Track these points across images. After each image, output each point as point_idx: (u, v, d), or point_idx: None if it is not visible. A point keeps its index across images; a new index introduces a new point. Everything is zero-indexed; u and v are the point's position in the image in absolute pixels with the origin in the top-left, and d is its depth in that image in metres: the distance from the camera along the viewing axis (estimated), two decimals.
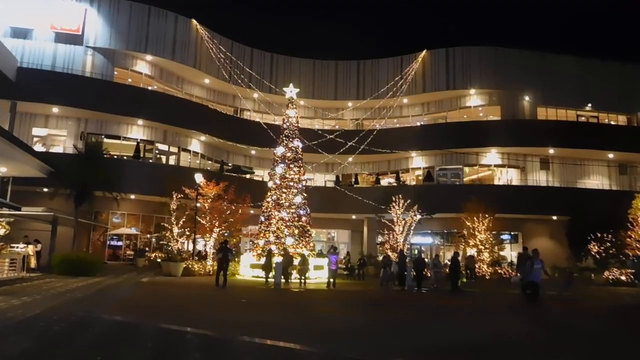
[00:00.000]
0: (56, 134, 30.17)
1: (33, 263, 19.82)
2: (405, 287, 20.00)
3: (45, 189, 24.87)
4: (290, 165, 24.76)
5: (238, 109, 38.69)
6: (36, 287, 14.70)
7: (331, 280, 19.97)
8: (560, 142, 33.57)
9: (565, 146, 33.80)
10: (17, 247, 18.83)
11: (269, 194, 24.81)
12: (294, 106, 26.36)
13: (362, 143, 34.59)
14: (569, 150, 34.19)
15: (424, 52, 38.11)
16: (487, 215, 29.03)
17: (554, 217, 32.26)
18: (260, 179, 34.83)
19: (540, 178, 34.98)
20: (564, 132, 33.92)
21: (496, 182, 35.22)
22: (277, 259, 20.60)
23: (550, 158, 35.27)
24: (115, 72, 32.17)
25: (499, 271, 29.47)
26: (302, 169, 25.39)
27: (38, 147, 27.97)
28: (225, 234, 26.05)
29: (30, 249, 19.94)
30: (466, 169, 36.07)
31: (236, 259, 25.58)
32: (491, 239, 29.76)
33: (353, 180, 37.18)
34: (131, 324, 9.05)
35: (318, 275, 22.50)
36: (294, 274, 20.36)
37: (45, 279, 17.24)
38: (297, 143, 25.45)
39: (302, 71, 38.95)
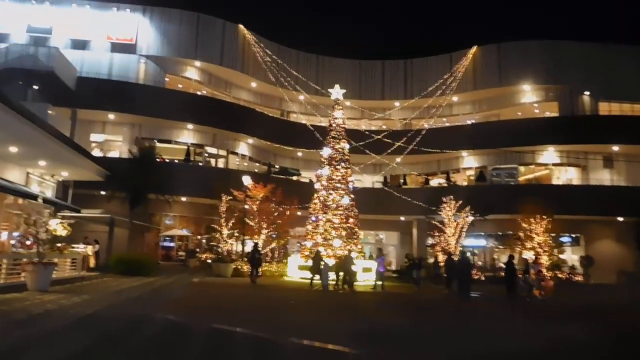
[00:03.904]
0: (112, 139, 31.44)
1: (92, 263, 20.65)
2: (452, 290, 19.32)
3: (103, 192, 25.88)
4: (337, 167, 24.53)
5: (285, 111, 38.93)
6: (95, 285, 15.24)
7: (379, 282, 19.60)
8: (625, 138, 31.36)
9: (631, 143, 31.54)
10: (78, 248, 19.66)
11: (315, 195, 24.68)
12: (340, 107, 26.12)
13: (411, 143, 33.79)
14: (636, 147, 31.83)
15: (474, 48, 36.84)
16: (545, 217, 27.62)
17: (620, 219, 30.19)
18: (307, 180, 34.82)
19: (603, 177, 32.88)
20: (629, 127, 31.65)
21: (554, 182, 33.47)
22: (327, 260, 20.44)
23: (614, 155, 33.07)
24: (167, 79, 33.21)
25: (559, 275, 27.94)
26: (349, 170, 25.11)
27: (96, 152, 29.24)
28: (273, 236, 26.20)
29: (90, 249, 20.81)
30: (521, 168, 34.48)
31: (284, 261, 25.68)
32: (550, 242, 28.27)
33: (401, 181, 36.45)
34: (183, 324, 9.09)
35: (367, 278, 22.11)
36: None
37: (103, 278, 17.87)
38: (344, 144, 25.20)
39: (347, 72, 38.67)
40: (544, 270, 20.56)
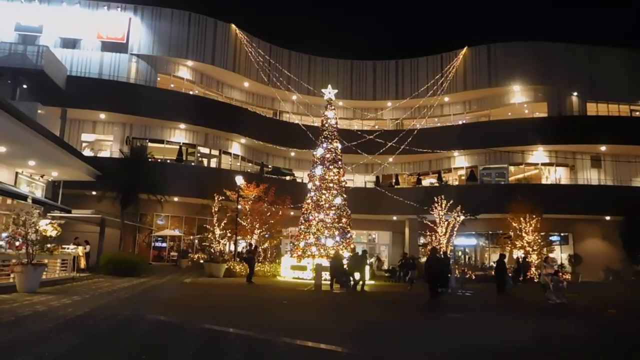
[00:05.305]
0: (103, 139, 31.27)
1: (83, 263, 20.50)
2: (448, 290, 19.39)
3: (94, 192, 25.77)
4: (330, 167, 24.58)
5: (277, 111, 38.94)
6: (85, 286, 15.13)
7: (370, 282, 19.71)
8: (612, 138, 31.85)
9: (618, 142, 32.07)
10: (68, 248, 19.52)
11: (308, 195, 24.72)
12: (333, 107, 26.20)
13: (402, 143, 33.99)
14: (622, 147, 32.38)
15: (465, 49, 37.12)
16: (534, 216, 27.90)
17: (607, 218, 30.65)
18: (300, 180, 34.85)
19: (591, 176, 33.30)
20: (617, 127, 32.17)
21: (544, 181, 33.87)
22: (319, 260, 20.46)
23: (602, 155, 33.54)
24: (158, 78, 33.05)
25: None
26: (341, 170, 25.17)
27: (87, 152, 29.04)
28: (266, 236, 26.21)
29: (80, 250, 20.65)
30: (511, 168, 34.82)
31: (276, 261, 25.69)
32: (539, 240, 28.57)
33: (393, 180, 36.64)
34: (175, 324, 9.08)
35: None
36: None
37: (94, 279, 17.76)
38: (336, 144, 25.26)
39: (339, 72, 38.80)
40: (555, 270, 18.50)
